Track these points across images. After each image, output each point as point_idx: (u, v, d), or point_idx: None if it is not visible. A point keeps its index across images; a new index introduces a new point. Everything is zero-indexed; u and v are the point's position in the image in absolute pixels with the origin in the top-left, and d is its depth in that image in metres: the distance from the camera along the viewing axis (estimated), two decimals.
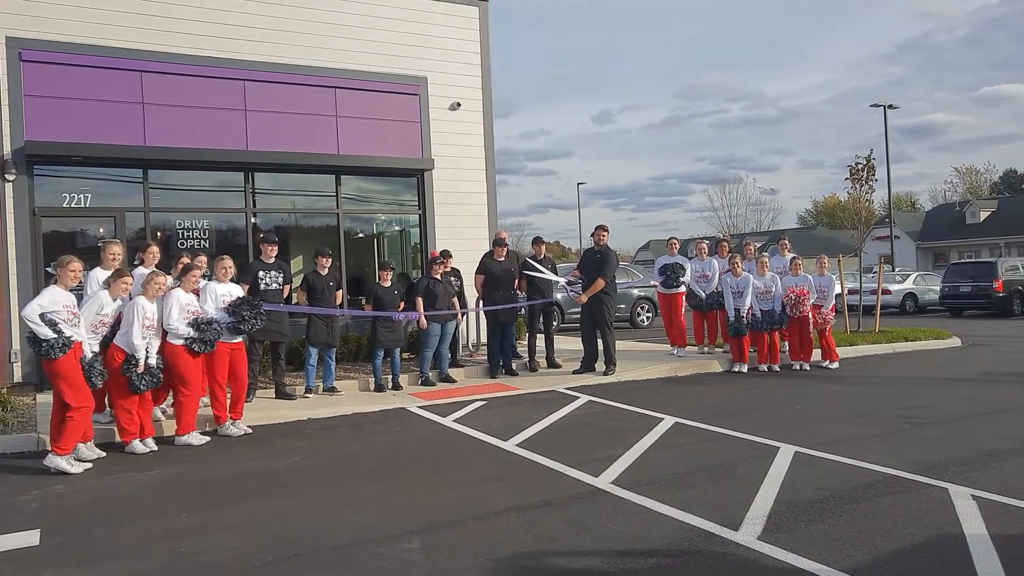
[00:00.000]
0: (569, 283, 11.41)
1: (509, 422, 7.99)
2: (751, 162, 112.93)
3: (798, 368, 11.54)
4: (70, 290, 6.66)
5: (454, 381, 10.56)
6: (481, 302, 11.21)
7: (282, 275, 9.46)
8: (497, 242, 11.33)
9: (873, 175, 16.13)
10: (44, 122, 10.58)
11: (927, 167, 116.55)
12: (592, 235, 11.51)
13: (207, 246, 11.57)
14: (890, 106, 34.82)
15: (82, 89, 10.84)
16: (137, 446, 7.14)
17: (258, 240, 10.31)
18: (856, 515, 4.81)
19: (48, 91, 10.64)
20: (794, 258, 12.03)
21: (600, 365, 10.91)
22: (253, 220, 12.19)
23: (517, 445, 6.97)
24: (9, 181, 10.34)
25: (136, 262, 7.98)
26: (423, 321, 10.14)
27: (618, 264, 11.90)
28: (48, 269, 7.11)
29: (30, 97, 10.52)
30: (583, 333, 11.26)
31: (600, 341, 10.99)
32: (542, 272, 11.18)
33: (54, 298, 6.50)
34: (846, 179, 16.33)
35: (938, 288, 24.76)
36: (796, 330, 11.55)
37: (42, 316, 6.38)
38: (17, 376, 10.28)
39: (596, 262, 11.00)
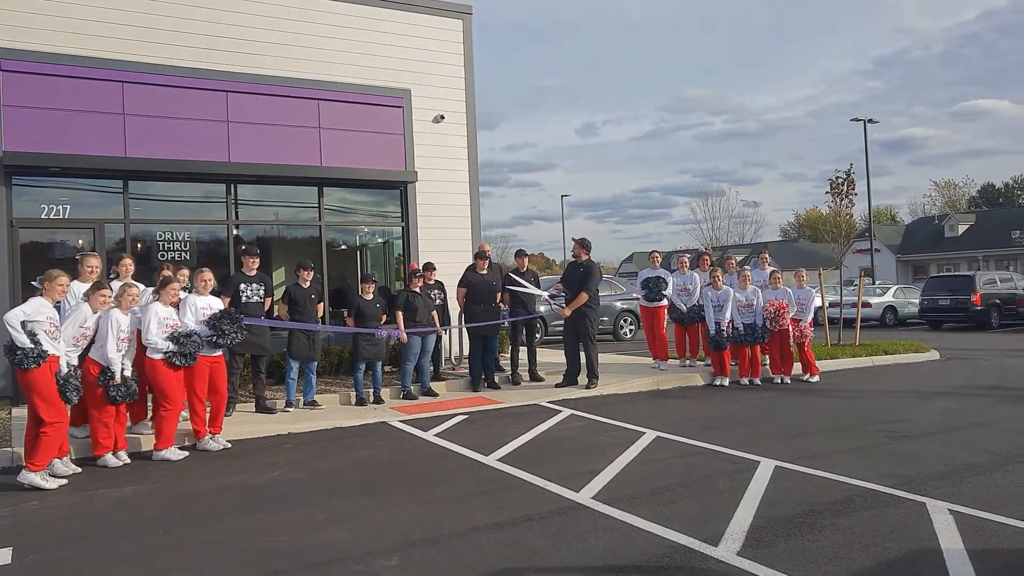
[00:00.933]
0: (552, 296, 11.42)
1: (491, 436, 7.97)
2: (734, 175, 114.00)
3: (779, 381, 11.60)
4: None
5: (436, 395, 10.53)
6: (463, 316, 11.20)
7: (263, 288, 9.40)
8: (479, 255, 11.32)
9: (853, 189, 16.33)
10: (23, 132, 10.49)
11: (906, 180, 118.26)
12: (572, 250, 11.54)
13: (188, 258, 11.49)
14: (870, 120, 35.24)
15: (62, 99, 10.76)
16: (110, 460, 7.07)
17: (240, 252, 10.25)
18: (835, 530, 4.83)
19: (28, 101, 10.55)
20: (773, 272, 12.11)
21: (583, 378, 10.92)
22: (235, 232, 12.12)
23: (498, 460, 6.95)
24: None
25: (111, 275, 7.91)
26: (403, 335, 10.12)
27: (601, 277, 11.91)
28: (33, 283, 7.04)
29: (9, 107, 10.43)
30: (566, 347, 11.26)
31: (583, 355, 11.00)
32: (525, 286, 11.19)
33: (39, 309, 6.46)
34: (827, 193, 16.54)
35: (917, 301, 25.01)
36: (777, 343, 11.62)
37: (23, 324, 6.32)
38: None
39: (579, 276, 11.00)
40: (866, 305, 23.75)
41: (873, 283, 30.74)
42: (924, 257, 53.89)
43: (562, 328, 11.78)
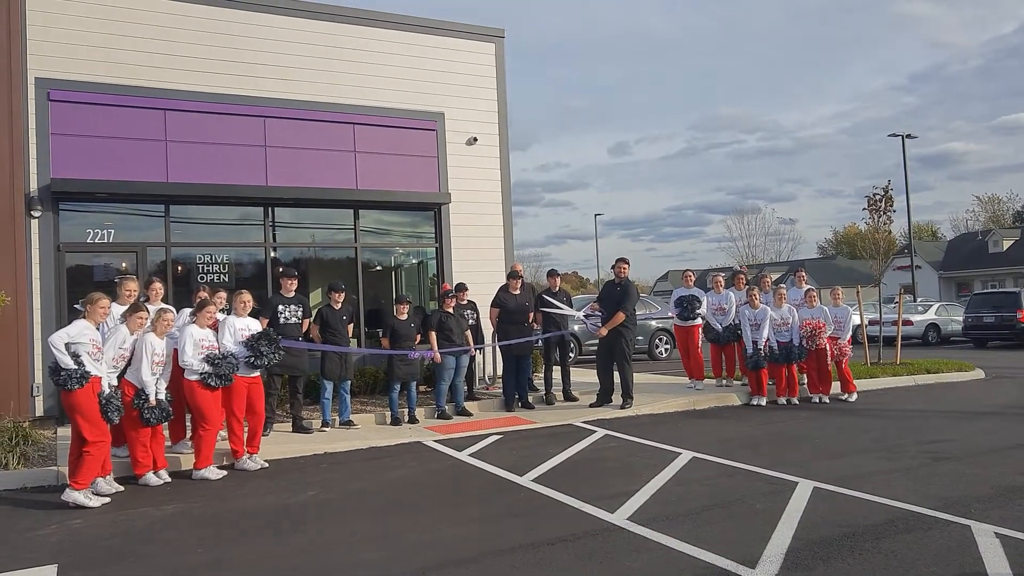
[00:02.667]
0: (587, 316, 11.39)
1: (525, 456, 7.96)
2: (768, 192, 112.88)
3: (817, 401, 11.42)
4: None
5: (470, 414, 10.55)
6: (496, 336, 11.23)
7: (301, 309, 9.55)
8: (512, 275, 11.37)
9: (891, 205, 16.08)
10: (70, 160, 10.82)
11: (946, 196, 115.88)
12: (613, 267, 11.50)
13: (227, 280, 11.72)
14: (908, 135, 34.76)
15: (107, 127, 11.09)
16: (151, 479, 7.21)
17: (278, 274, 10.43)
18: (876, 553, 4.73)
19: (74, 130, 10.90)
20: (809, 290, 11.96)
21: (617, 398, 10.86)
22: (273, 254, 12.33)
23: (532, 480, 6.93)
24: (35, 217, 10.55)
25: (143, 299, 8.07)
26: (437, 355, 10.18)
27: (639, 297, 11.86)
28: (76, 306, 7.25)
29: (56, 136, 10.77)
30: (599, 366, 11.21)
31: (617, 374, 10.94)
32: (559, 307, 11.18)
33: (82, 331, 6.65)
34: (864, 209, 16.30)
35: (961, 319, 24.44)
36: (814, 362, 11.46)
37: (67, 346, 6.50)
38: (39, 410, 10.39)
39: (616, 295, 10.96)
40: (907, 323, 23.30)
41: (915, 300, 30.22)
42: (967, 273, 52.72)
43: (595, 347, 11.74)
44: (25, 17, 10.62)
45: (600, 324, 10.96)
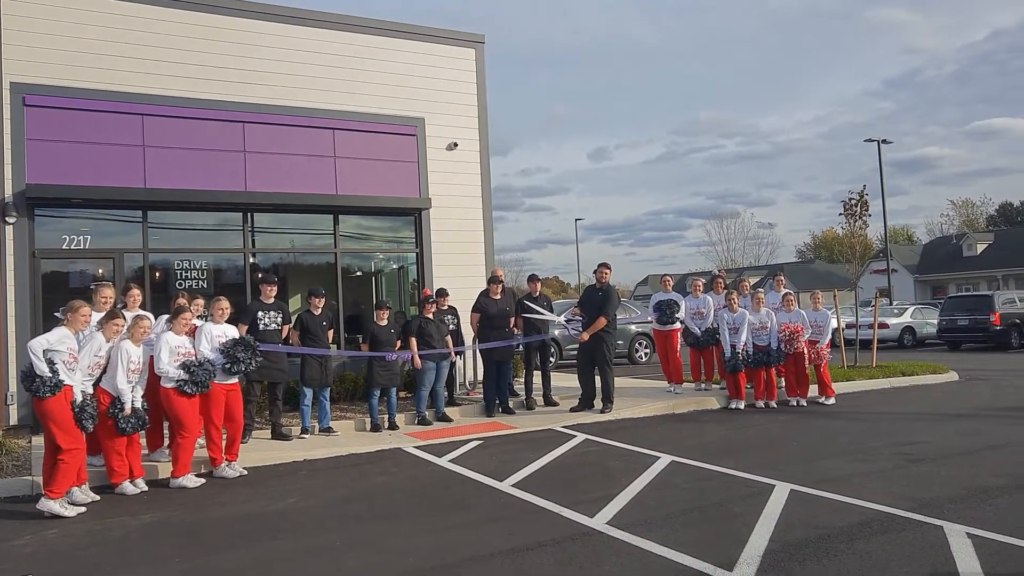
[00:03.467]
0: (568, 321, 11.40)
1: (505, 462, 7.97)
2: (748, 196, 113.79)
3: (795, 404, 11.53)
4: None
5: (451, 420, 10.55)
6: (477, 341, 11.24)
7: (281, 315, 9.52)
8: (493, 280, 11.38)
9: (867, 210, 16.27)
10: (46, 165, 10.72)
11: (922, 200, 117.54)
12: (595, 272, 11.54)
13: (206, 286, 11.64)
14: (884, 141, 35.22)
15: (84, 132, 11.00)
16: (128, 487, 7.15)
17: (257, 280, 10.38)
18: (851, 555, 4.80)
19: (50, 135, 10.79)
20: (786, 294, 12.08)
21: (598, 403, 10.90)
22: (252, 260, 12.27)
23: (512, 486, 6.95)
24: (10, 224, 10.44)
25: (120, 305, 8.02)
26: (417, 361, 10.17)
27: (620, 302, 11.86)
28: (56, 314, 7.18)
29: (32, 141, 10.66)
30: (580, 371, 11.25)
31: (599, 379, 10.99)
32: (540, 312, 11.21)
33: (61, 339, 6.60)
34: (840, 214, 16.48)
35: (936, 322, 24.77)
36: (792, 366, 11.57)
37: (45, 352, 6.44)
38: (13, 419, 10.27)
39: (598, 300, 11.00)
40: (883, 326, 23.57)
41: (891, 303, 30.56)
42: (942, 277, 53.42)
43: (576, 352, 11.77)
44: (0, 22, 10.51)
45: (581, 329, 10.99)
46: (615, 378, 11.25)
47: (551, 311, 11.53)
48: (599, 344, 10.86)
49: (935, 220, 78.96)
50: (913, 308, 27.43)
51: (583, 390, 11.07)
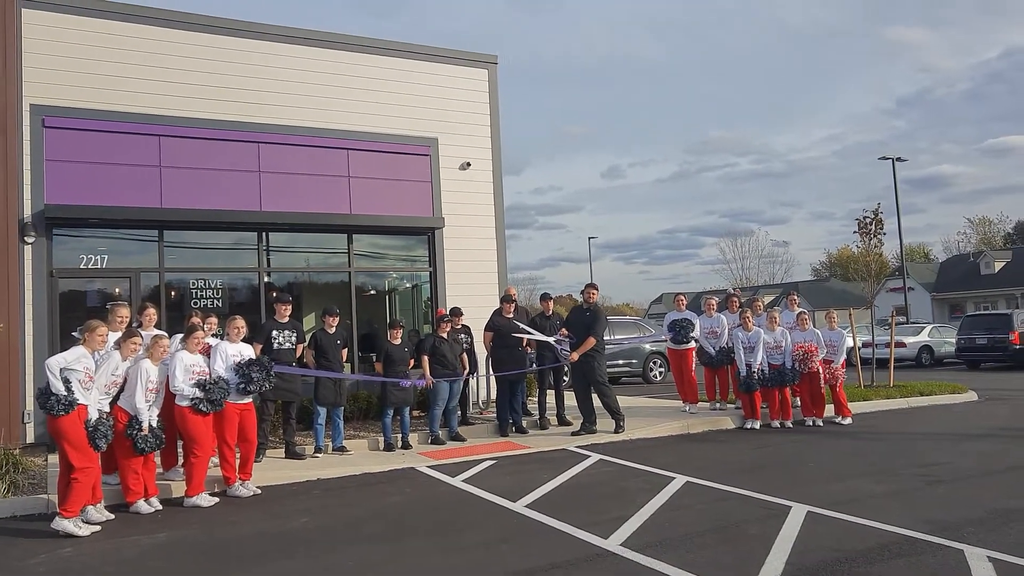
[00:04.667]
0: (557, 342, 11.20)
1: (519, 482, 7.93)
2: (761, 215, 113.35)
3: (811, 424, 11.42)
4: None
5: (464, 439, 10.52)
6: (490, 360, 11.20)
7: (295, 334, 9.55)
8: (505, 299, 11.38)
9: (881, 228, 16.18)
10: (64, 186, 10.85)
11: (937, 218, 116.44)
12: (582, 292, 11.43)
13: (220, 305, 11.72)
14: (899, 159, 35.10)
15: (101, 153, 11.15)
16: (142, 506, 7.16)
17: (272, 300, 10.43)
18: None
19: (68, 156, 10.94)
20: (801, 313, 12.00)
21: (605, 424, 10.69)
22: (266, 279, 12.34)
23: (526, 506, 6.91)
24: (29, 243, 10.56)
25: (136, 324, 8.07)
26: (429, 379, 10.17)
27: (607, 323, 11.54)
28: (74, 333, 7.23)
29: (51, 162, 10.81)
30: (577, 395, 10.94)
31: (599, 399, 10.74)
32: (530, 333, 11.08)
33: (79, 358, 6.64)
34: (854, 232, 16.40)
35: (954, 340, 24.51)
36: (808, 386, 11.47)
37: (61, 371, 6.49)
38: (30, 437, 10.34)
39: (587, 320, 10.78)
40: (900, 345, 23.34)
41: (907, 322, 30.31)
42: (960, 295, 52.95)
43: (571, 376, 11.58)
44: (21, 44, 10.70)
45: (569, 350, 10.80)
46: (628, 397, 11.14)
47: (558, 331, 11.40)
48: (590, 364, 10.63)
49: (952, 238, 78.21)
50: (931, 327, 27.14)
51: (584, 415, 10.84)
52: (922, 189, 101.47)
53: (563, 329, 11.15)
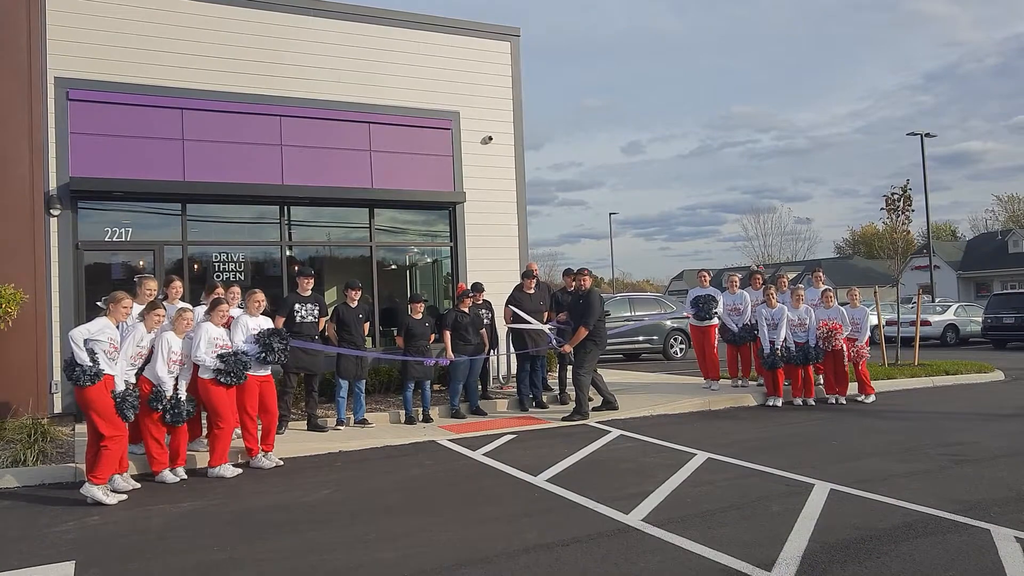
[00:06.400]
0: (560, 331, 11.08)
1: (539, 456, 7.94)
2: (784, 191, 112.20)
3: (833, 402, 11.34)
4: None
5: (484, 414, 10.55)
6: (510, 335, 11.18)
7: (318, 308, 9.59)
8: (526, 274, 11.35)
9: (910, 205, 15.94)
10: (88, 158, 10.91)
11: (964, 195, 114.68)
12: (574, 278, 10.93)
13: (243, 278, 11.79)
14: (927, 134, 34.43)
15: (125, 126, 11.18)
16: (167, 476, 7.26)
17: (294, 273, 10.47)
18: (893, 557, 4.68)
19: (93, 129, 10.99)
20: (826, 290, 11.86)
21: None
22: (288, 252, 12.38)
23: (547, 480, 6.92)
24: (54, 216, 10.65)
25: (162, 297, 8.13)
26: (450, 353, 10.19)
27: (603, 308, 10.67)
28: (99, 304, 7.32)
29: (76, 135, 10.87)
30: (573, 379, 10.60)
31: (572, 382, 10.52)
32: (529, 322, 10.94)
33: (102, 329, 6.71)
34: (881, 209, 16.18)
35: (980, 319, 24.18)
36: (831, 363, 11.37)
37: (85, 342, 6.56)
38: (57, 407, 10.50)
39: (580, 308, 10.45)
40: (925, 323, 23.08)
41: (933, 300, 29.91)
42: (987, 273, 52.18)
43: (612, 345, 11.53)
44: (45, 17, 10.72)
45: (564, 340, 10.63)
46: (649, 374, 11.09)
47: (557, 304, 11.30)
48: (579, 349, 10.30)
49: (979, 216, 77.06)
50: (957, 305, 26.77)
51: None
52: (949, 166, 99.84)
53: (561, 315, 10.99)
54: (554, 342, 11.00)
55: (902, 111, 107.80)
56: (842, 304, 11.79)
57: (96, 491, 6.51)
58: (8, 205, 10.39)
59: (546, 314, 11.13)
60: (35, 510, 6.45)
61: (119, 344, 6.86)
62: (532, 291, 11.15)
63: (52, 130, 10.71)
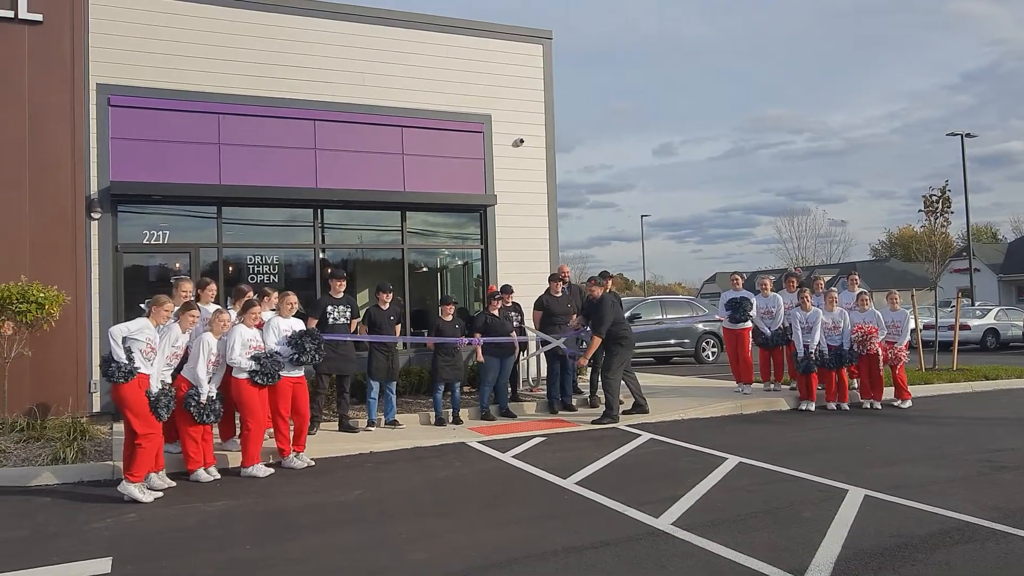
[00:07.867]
0: (579, 340, 11.04)
1: (568, 459, 7.93)
2: (818, 193, 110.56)
3: (868, 407, 11.16)
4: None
5: (514, 416, 10.56)
6: (540, 341, 11.14)
7: (350, 310, 9.69)
8: (553, 277, 11.34)
9: (949, 207, 15.63)
10: (128, 163, 11.14)
11: (1005, 197, 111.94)
12: (587, 285, 10.97)
13: (276, 280, 11.94)
14: (968, 134, 33.78)
15: (163, 131, 11.39)
16: (202, 475, 7.38)
17: (327, 275, 10.58)
18: (930, 565, 4.60)
19: (132, 134, 11.21)
20: (861, 293, 11.67)
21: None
22: (321, 255, 12.52)
23: (576, 483, 6.91)
24: (95, 219, 10.89)
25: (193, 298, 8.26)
26: (480, 354, 10.24)
27: (615, 310, 10.40)
28: (142, 305, 7.48)
29: (116, 140, 11.10)
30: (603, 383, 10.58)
31: (628, 385, 10.54)
32: (549, 341, 10.94)
33: (141, 328, 6.85)
34: (920, 211, 15.88)
35: (1022, 323, 23.63)
36: (866, 367, 11.19)
37: (124, 340, 6.70)
38: (96, 406, 10.72)
39: (593, 318, 10.36)
40: (965, 327, 22.60)
41: (972, 304, 29.30)
42: None
43: (642, 348, 11.48)
44: (88, 25, 10.97)
45: (581, 352, 10.59)
46: (680, 377, 11.02)
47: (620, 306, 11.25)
48: (602, 351, 10.33)
49: (1021, 217, 75.11)
50: (997, 309, 26.21)
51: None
52: (989, 167, 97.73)
53: (581, 319, 10.94)
54: (568, 355, 10.94)
55: (939, 112, 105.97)
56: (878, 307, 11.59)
57: (132, 489, 6.64)
58: (51, 209, 10.64)
59: (573, 316, 11.10)
60: (74, 507, 6.60)
61: (156, 345, 6.98)
62: (559, 294, 11.14)
63: (94, 135, 10.95)
